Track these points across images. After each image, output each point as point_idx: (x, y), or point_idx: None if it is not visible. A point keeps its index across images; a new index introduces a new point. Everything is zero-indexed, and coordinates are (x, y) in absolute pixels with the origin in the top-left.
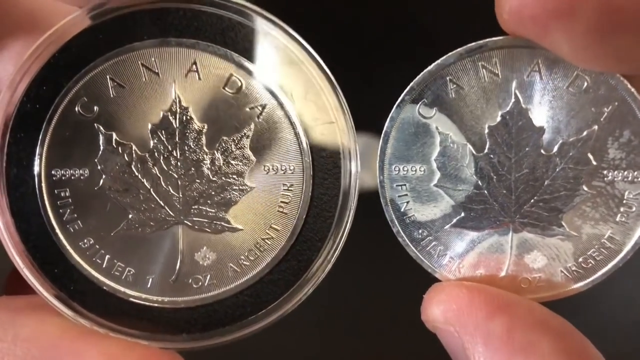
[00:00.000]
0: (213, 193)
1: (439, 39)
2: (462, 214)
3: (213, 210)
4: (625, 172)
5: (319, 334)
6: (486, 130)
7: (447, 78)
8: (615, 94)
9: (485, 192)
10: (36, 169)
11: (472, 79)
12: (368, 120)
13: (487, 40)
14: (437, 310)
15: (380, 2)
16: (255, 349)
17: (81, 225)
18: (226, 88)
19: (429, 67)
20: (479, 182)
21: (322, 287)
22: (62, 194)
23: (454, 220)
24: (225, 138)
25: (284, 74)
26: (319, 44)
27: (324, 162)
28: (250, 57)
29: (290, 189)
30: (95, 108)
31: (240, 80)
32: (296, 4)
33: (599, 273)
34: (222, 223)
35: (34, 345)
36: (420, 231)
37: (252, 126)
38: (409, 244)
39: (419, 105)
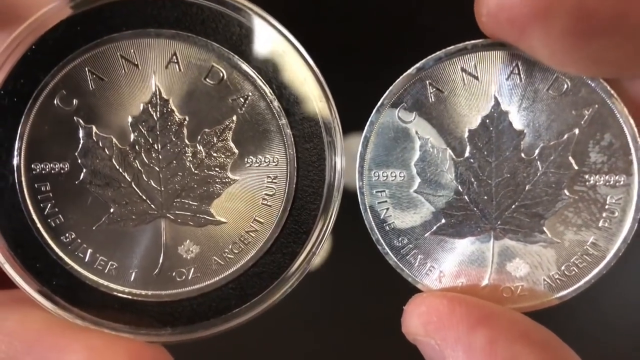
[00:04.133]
0: (195, 186)
1: (419, 42)
2: (443, 221)
3: (196, 203)
4: (607, 176)
5: (302, 330)
6: (466, 134)
7: (427, 82)
8: (595, 96)
9: (466, 197)
10: (15, 163)
11: (452, 82)
12: (349, 124)
13: (467, 43)
14: (417, 322)
15: (358, 5)
16: (240, 341)
17: (62, 220)
18: (207, 79)
19: (408, 71)
20: (459, 187)
21: (299, 295)
22: (43, 189)
23: (434, 227)
24: (207, 130)
25: (267, 64)
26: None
27: (308, 154)
28: (231, 47)
29: (274, 181)
30: (75, 101)
31: (221, 71)
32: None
33: (583, 281)
34: (205, 216)
35: (18, 339)
36: (400, 239)
37: (235, 118)
38: (389, 252)
39: (398, 109)
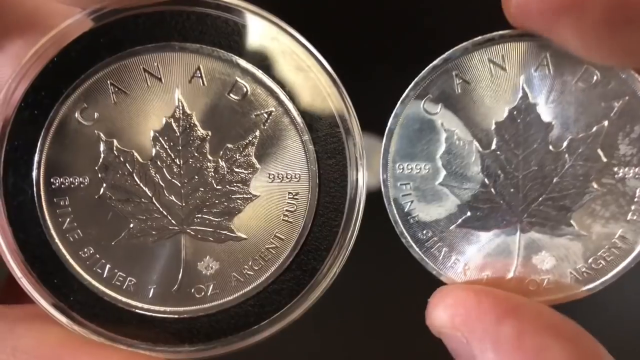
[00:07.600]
0: (216, 201)
1: (445, 33)
2: (468, 214)
3: (216, 219)
4: (636, 169)
5: (321, 338)
6: (493, 127)
7: (453, 73)
8: (625, 88)
9: (492, 190)
10: (34, 176)
11: (479, 73)
12: (372, 117)
13: (494, 33)
14: (443, 314)
15: None
16: (259, 358)
17: (81, 235)
18: (231, 94)
19: (434, 62)
20: (486, 180)
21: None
22: (62, 203)
23: (460, 220)
24: (229, 145)
25: (291, 80)
26: (322, 39)
27: (331, 171)
28: (256, 62)
29: (295, 197)
30: (96, 114)
31: (245, 86)
32: (299, 4)
33: (610, 274)
34: (226, 232)
35: (34, 356)
36: (424, 232)
37: (258, 133)
38: (413, 245)
39: (423, 101)
